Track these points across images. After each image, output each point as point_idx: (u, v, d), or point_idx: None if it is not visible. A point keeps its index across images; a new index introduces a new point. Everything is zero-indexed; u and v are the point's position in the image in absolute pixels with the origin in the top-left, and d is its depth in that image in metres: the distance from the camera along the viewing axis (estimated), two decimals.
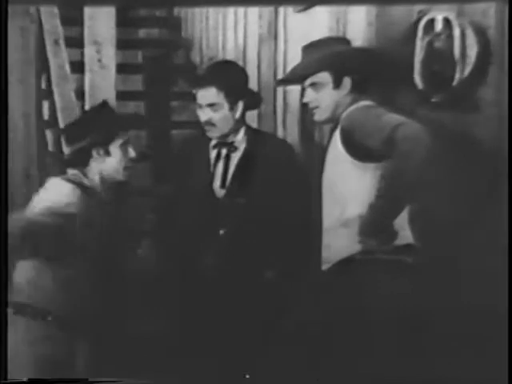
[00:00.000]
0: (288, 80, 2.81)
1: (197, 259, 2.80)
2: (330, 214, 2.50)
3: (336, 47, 2.56)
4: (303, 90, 2.64)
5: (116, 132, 2.57)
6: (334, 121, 2.55)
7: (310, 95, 2.55)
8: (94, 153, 2.55)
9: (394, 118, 2.32)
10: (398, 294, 2.41)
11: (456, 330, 2.50)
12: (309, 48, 2.60)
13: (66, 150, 2.60)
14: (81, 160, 2.57)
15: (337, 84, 2.52)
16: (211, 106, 2.76)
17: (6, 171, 2.39)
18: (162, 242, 2.77)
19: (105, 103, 2.73)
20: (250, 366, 2.70)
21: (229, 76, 2.79)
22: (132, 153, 2.58)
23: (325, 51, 2.52)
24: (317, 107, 2.56)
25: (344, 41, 2.65)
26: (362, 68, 2.58)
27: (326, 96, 2.53)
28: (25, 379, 2.37)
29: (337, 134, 2.48)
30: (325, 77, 2.52)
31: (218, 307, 2.74)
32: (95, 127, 2.55)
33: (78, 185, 2.55)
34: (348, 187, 2.45)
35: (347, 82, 2.52)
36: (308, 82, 2.55)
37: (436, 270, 2.49)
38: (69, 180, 2.56)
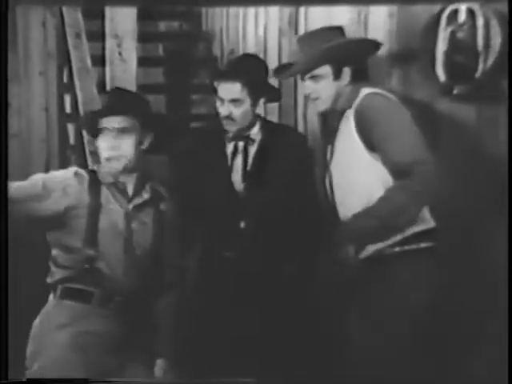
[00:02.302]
0: (287, 75, 2.80)
1: (218, 253, 2.80)
2: (351, 205, 2.49)
3: (333, 39, 2.53)
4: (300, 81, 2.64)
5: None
6: (335, 111, 2.54)
7: (310, 87, 2.55)
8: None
9: (416, 150, 2.32)
10: (408, 290, 2.40)
11: (456, 330, 2.49)
12: (304, 40, 2.59)
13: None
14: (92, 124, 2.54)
15: (337, 75, 2.52)
16: (234, 101, 2.74)
17: (6, 171, 2.39)
18: (183, 237, 2.77)
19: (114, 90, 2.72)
20: (272, 357, 2.71)
21: (253, 72, 2.77)
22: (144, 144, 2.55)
23: (323, 44, 2.50)
24: (317, 98, 2.55)
25: (339, 30, 2.62)
26: (362, 58, 2.57)
27: (326, 87, 2.53)
28: (25, 379, 2.40)
29: (349, 123, 2.46)
30: (325, 69, 2.52)
31: (238, 300, 2.74)
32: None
33: (90, 173, 2.55)
34: (363, 178, 2.44)
35: (347, 72, 2.51)
36: (308, 75, 2.54)
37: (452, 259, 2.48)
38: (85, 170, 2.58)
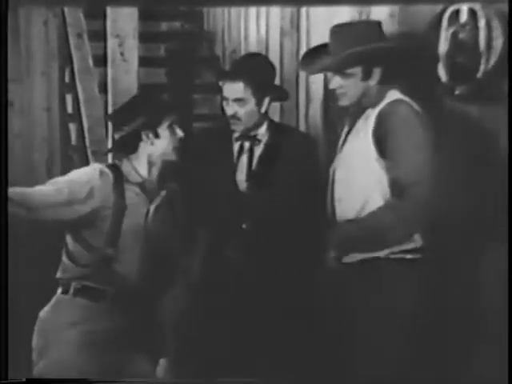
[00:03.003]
0: (316, 70, 2.78)
1: (220, 252, 2.80)
2: (350, 207, 2.50)
3: (370, 38, 2.51)
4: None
5: (163, 114, 2.55)
6: (357, 107, 2.53)
7: (338, 82, 2.52)
8: (144, 136, 2.53)
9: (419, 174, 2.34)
10: (401, 294, 2.42)
11: (456, 330, 2.49)
12: (339, 33, 2.54)
13: (115, 135, 2.57)
14: (130, 144, 2.55)
15: (366, 76, 2.50)
16: (238, 100, 2.74)
17: (6, 171, 2.40)
18: (185, 236, 2.77)
19: (148, 89, 2.77)
20: (274, 358, 2.71)
21: (257, 71, 2.76)
22: (180, 133, 2.57)
23: (360, 46, 2.46)
24: (343, 94, 2.54)
25: (376, 26, 2.57)
26: (395, 62, 2.56)
27: (353, 85, 2.50)
28: (24, 379, 2.40)
29: (368, 123, 2.46)
30: (355, 68, 2.50)
31: (240, 301, 2.74)
32: (143, 110, 2.53)
33: (114, 171, 2.53)
34: (365, 181, 2.45)
35: (377, 73, 2.50)
36: None
37: (439, 269, 2.49)
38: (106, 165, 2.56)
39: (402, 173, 2.36)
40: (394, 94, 2.48)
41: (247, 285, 2.73)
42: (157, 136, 2.53)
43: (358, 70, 2.49)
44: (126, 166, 2.55)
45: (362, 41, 2.47)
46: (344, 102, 2.54)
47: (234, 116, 2.74)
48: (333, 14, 3.07)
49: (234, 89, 2.73)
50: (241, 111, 2.74)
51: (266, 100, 2.77)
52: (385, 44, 2.55)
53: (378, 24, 2.58)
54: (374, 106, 2.48)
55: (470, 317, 2.45)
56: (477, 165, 2.41)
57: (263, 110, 2.77)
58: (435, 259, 2.46)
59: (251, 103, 2.74)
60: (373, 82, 2.50)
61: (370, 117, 2.47)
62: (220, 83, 2.78)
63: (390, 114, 2.42)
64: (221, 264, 2.78)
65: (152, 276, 2.54)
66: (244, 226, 2.76)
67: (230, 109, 2.74)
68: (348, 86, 2.51)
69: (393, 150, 2.38)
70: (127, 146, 2.56)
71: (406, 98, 2.46)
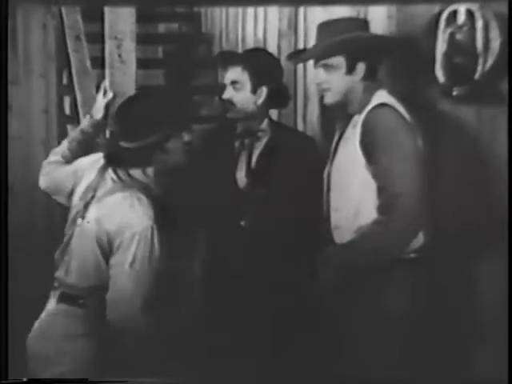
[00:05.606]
0: (300, 60, 2.79)
1: (218, 251, 2.80)
2: (345, 215, 2.49)
3: (354, 31, 2.51)
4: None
5: (177, 130, 2.49)
6: (344, 106, 2.52)
7: (322, 76, 2.51)
8: (157, 151, 2.45)
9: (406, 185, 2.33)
10: (399, 294, 2.42)
11: (456, 329, 2.50)
12: (324, 27, 2.55)
13: (126, 144, 2.45)
14: (142, 158, 2.46)
15: (350, 69, 2.48)
16: (233, 83, 2.76)
17: (6, 172, 2.39)
18: (183, 234, 2.77)
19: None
20: (269, 360, 2.71)
21: (257, 58, 2.81)
22: (186, 136, 2.53)
23: (342, 35, 2.46)
24: (328, 89, 2.52)
25: (362, 22, 2.59)
26: (379, 56, 2.56)
27: (337, 80, 2.49)
28: (25, 379, 2.39)
29: (355, 131, 2.46)
30: (339, 61, 2.48)
31: (238, 300, 2.74)
32: (156, 127, 2.44)
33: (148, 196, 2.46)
34: (360, 190, 2.44)
35: (361, 68, 2.48)
36: (321, 62, 2.52)
37: (439, 269, 2.49)
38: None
39: (389, 182, 2.35)
40: (381, 95, 2.47)
41: (245, 283, 2.73)
42: (168, 150, 2.47)
43: (341, 63, 2.48)
44: (138, 175, 2.49)
45: (346, 32, 2.48)
46: (329, 98, 2.52)
47: (229, 101, 2.76)
48: (330, 17, 3.07)
49: (231, 72, 2.76)
50: (236, 96, 2.76)
51: (264, 89, 2.77)
52: (368, 34, 2.55)
53: (364, 21, 2.60)
54: (360, 110, 2.46)
55: (470, 317, 2.46)
56: (476, 166, 2.42)
57: (260, 101, 2.77)
58: (435, 259, 2.47)
59: (247, 89, 2.76)
60: (357, 77, 2.49)
61: (357, 124, 2.46)
62: (223, 73, 2.81)
63: (374, 122, 2.41)
64: (219, 263, 2.78)
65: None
66: (242, 223, 2.77)
67: (226, 93, 2.77)
68: (332, 81, 2.49)
69: (379, 159, 2.37)
70: (139, 159, 2.47)
71: (393, 100, 2.45)
